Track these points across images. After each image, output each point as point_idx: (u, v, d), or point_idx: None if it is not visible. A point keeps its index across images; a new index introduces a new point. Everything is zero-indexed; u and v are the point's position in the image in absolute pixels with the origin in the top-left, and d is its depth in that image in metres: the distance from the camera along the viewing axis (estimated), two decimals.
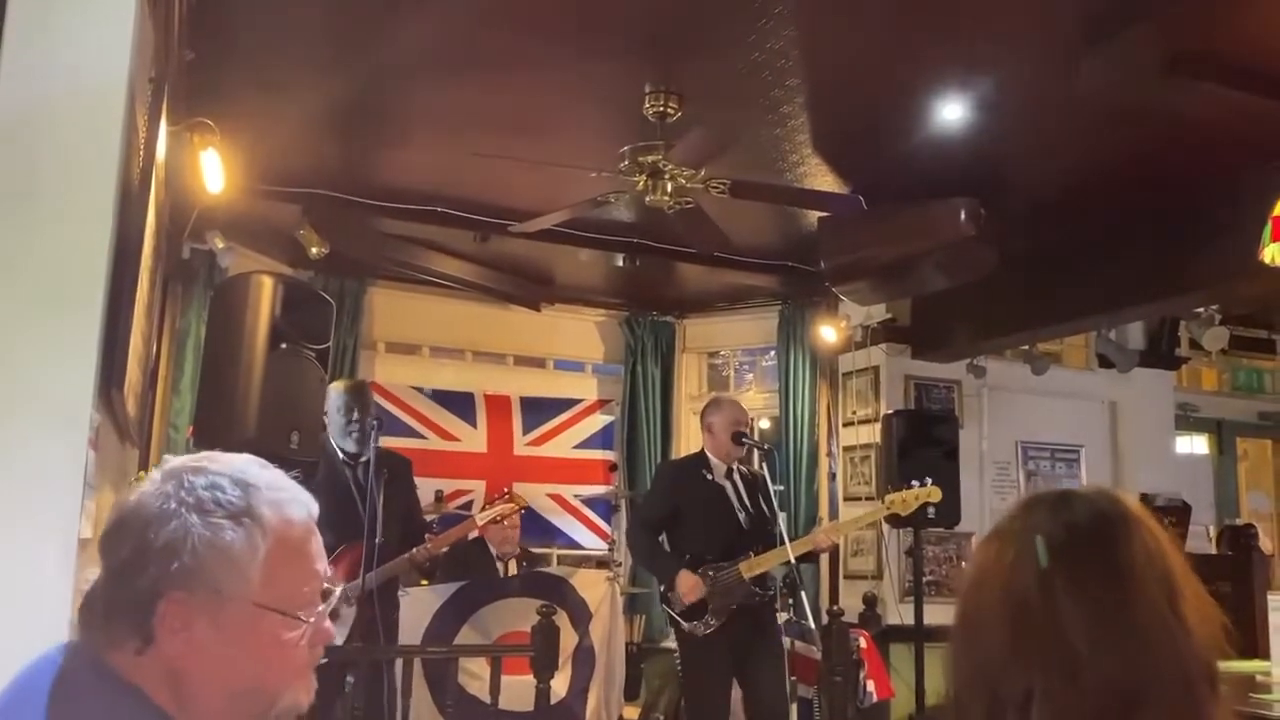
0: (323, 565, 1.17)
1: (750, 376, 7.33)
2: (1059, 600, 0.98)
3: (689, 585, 4.20)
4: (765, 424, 7.15)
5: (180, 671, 1.06)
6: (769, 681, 4.25)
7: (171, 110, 3.33)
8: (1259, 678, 3.17)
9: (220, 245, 5.07)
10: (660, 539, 4.46)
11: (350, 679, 3.75)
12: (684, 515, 4.39)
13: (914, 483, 4.40)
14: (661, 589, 4.41)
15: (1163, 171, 4.51)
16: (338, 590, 1.20)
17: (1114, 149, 4.35)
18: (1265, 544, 7.07)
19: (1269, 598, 3.27)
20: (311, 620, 1.13)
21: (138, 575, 1.05)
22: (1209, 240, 4.55)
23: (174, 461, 1.14)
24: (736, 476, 4.43)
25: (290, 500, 1.14)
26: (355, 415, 4.09)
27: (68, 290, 2.14)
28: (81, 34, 2.18)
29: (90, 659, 1.07)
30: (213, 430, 3.07)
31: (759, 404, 7.10)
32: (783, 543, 4.13)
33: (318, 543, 1.17)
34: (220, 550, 1.06)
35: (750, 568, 4.22)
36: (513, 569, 5.27)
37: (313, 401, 3.37)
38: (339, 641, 3.90)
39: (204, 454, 1.16)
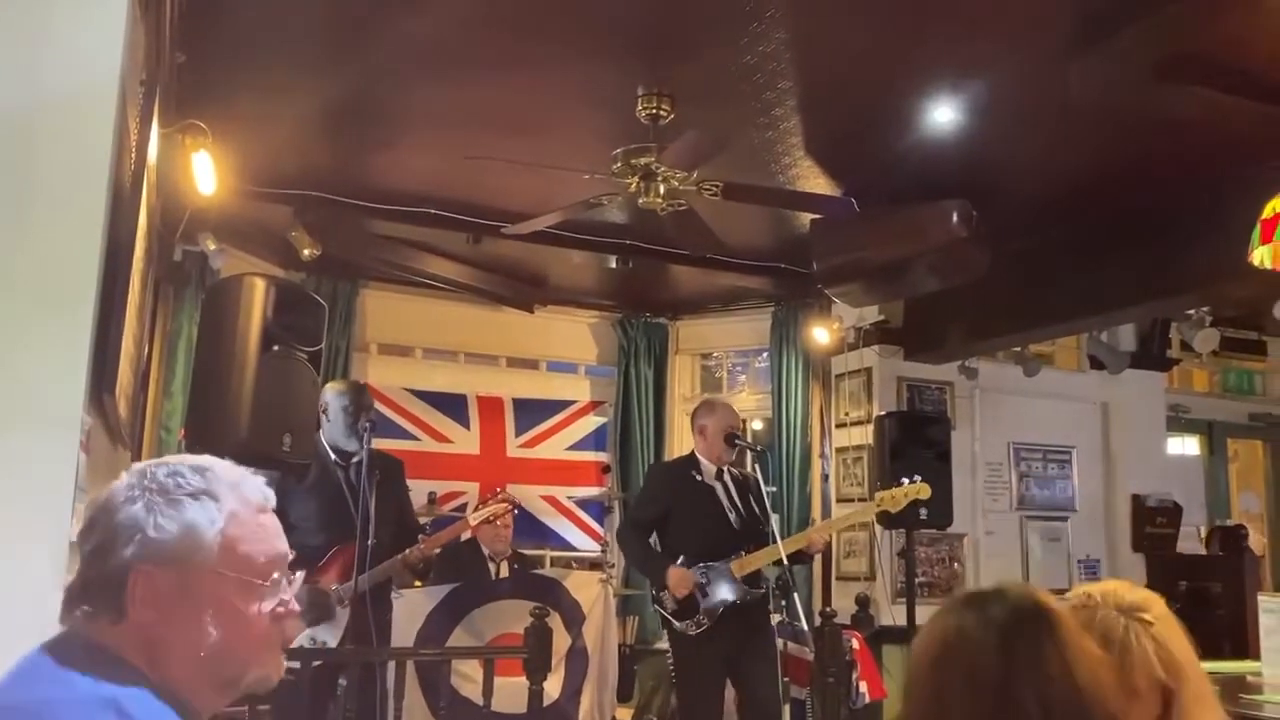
0: (282, 544, 1.27)
1: (743, 378, 7.34)
2: (1020, 677, 1.17)
3: (678, 579, 4.19)
4: (758, 425, 7.15)
5: (153, 640, 1.15)
6: (762, 681, 4.25)
7: (163, 112, 3.33)
8: (1249, 678, 3.18)
9: (212, 247, 5.05)
10: (651, 540, 4.45)
11: (343, 681, 3.75)
12: (675, 516, 4.39)
13: (904, 480, 4.42)
14: (653, 589, 4.40)
15: (1153, 173, 4.53)
16: (299, 575, 1.28)
17: (1105, 151, 4.37)
18: (1256, 544, 7.10)
19: (1259, 598, 3.27)
20: (267, 584, 1.21)
21: (110, 555, 1.15)
22: (1199, 242, 4.58)
23: (141, 463, 1.24)
24: (727, 477, 4.42)
25: (244, 481, 1.26)
26: (359, 415, 4.07)
27: (59, 293, 2.14)
28: (73, 37, 2.17)
29: (71, 635, 1.17)
30: (204, 432, 3.07)
31: (752, 405, 7.10)
32: (774, 542, 4.11)
33: (274, 522, 1.28)
34: (181, 523, 1.17)
35: (741, 567, 4.22)
36: (504, 570, 5.26)
37: (305, 403, 3.37)
38: (332, 644, 3.90)
39: (170, 456, 1.28)
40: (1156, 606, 1.54)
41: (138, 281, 3.03)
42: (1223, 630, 5.86)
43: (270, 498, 1.28)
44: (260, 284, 3.16)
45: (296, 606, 1.26)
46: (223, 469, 1.24)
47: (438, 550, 4.42)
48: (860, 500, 5.98)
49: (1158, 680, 1.45)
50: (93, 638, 1.16)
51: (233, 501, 1.21)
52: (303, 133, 4.56)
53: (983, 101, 3.99)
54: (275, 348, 3.13)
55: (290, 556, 1.28)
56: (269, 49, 3.78)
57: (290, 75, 3.99)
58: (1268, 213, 2.78)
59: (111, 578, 1.15)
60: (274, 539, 1.26)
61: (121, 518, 1.16)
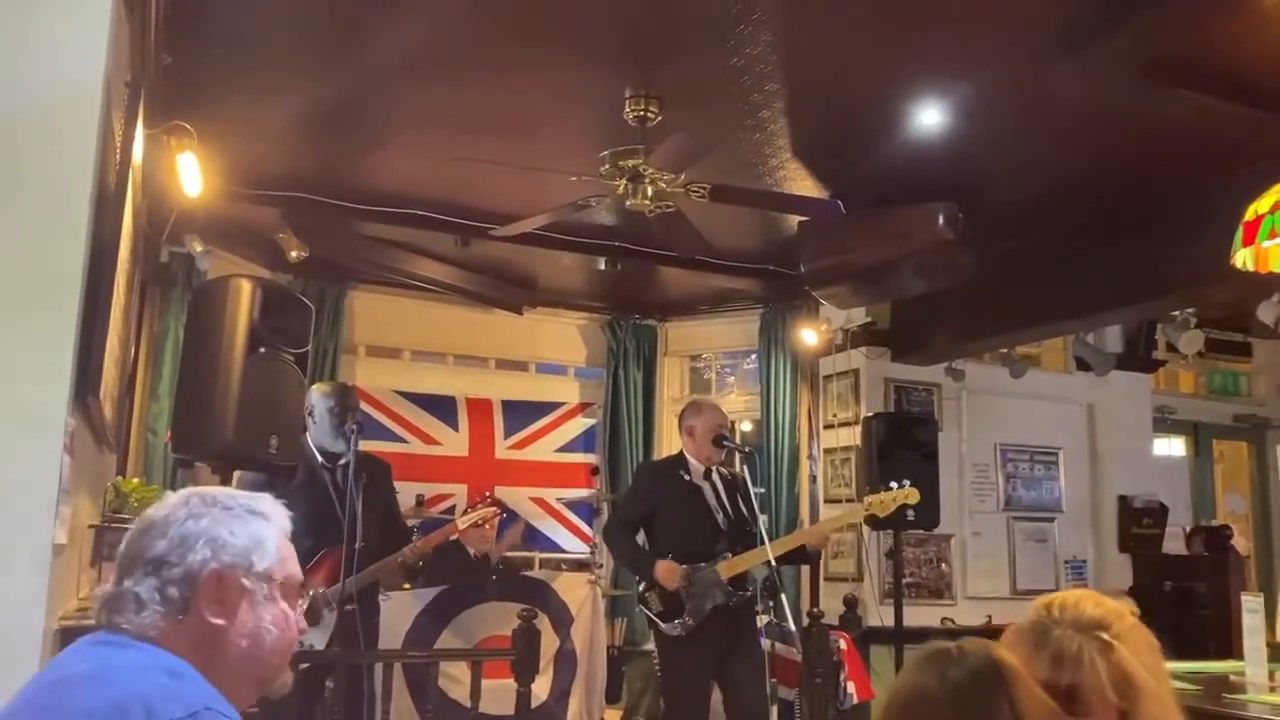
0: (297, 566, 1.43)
1: (732, 379, 7.35)
2: None
3: (666, 571, 4.17)
4: (747, 427, 7.16)
5: (214, 633, 1.29)
6: (748, 683, 4.23)
7: (149, 114, 3.33)
8: (1233, 678, 3.20)
9: (199, 249, 5.04)
10: (640, 540, 4.43)
11: (330, 684, 3.74)
12: (662, 515, 4.36)
13: (892, 484, 4.41)
14: (640, 589, 4.37)
15: (1138, 176, 4.55)
16: (309, 595, 1.38)
17: (1090, 154, 4.40)
18: (1240, 545, 7.14)
19: (1243, 598, 3.29)
20: (305, 597, 1.33)
21: (180, 559, 1.30)
22: (1184, 244, 4.60)
23: (184, 490, 1.41)
24: (715, 478, 4.40)
25: (280, 510, 1.43)
26: (345, 417, 4.05)
27: (43, 294, 2.13)
28: (57, 38, 2.17)
29: (115, 632, 1.28)
30: (191, 435, 3.06)
31: (740, 407, 7.12)
32: (763, 543, 4.07)
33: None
34: (249, 534, 1.34)
35: (729, 568, 4.19)
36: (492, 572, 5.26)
37: (292, 405, 3.36)
38: (319, 646, 3.89)
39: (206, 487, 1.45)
40: (1120, 622, 1.52)
41: (123, 283, 3.02)
42: (1208, 630, 5.91)
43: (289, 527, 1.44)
44: (246, 286, 3.15)
45: (303, 624, 1.44)
46: (264, 498, 1.42)
47: (430, 549, 4.41)
48: (848, 501, 6.00)
49: (1109, 701, 1.44)
50: (145, 633, 1.27)
51: (280, 519, 1.40)
52: (290, 134, 4.55)
53: (969, 104, 4.01)
54: (262, 350, 3.12)
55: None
56: (256, 50, 3.77)
57: (278, 77, 3.99)
58: (1250, 215, 2.79)
59: (185, 578, 1.29)
60: (297, 561, 1.43)
61: (191, 527, 1.31)
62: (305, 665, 3.72)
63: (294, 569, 1.39)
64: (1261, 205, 2.76)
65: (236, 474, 3.45)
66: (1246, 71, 3.57)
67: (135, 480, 3.99)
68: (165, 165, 3.75)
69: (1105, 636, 1.46)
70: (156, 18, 3.04)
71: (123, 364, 3.81)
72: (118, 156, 2.56)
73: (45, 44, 2.16)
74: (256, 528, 1.35)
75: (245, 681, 1.33)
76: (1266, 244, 2.86)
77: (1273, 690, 3.02)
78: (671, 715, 4.32)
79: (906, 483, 4.40)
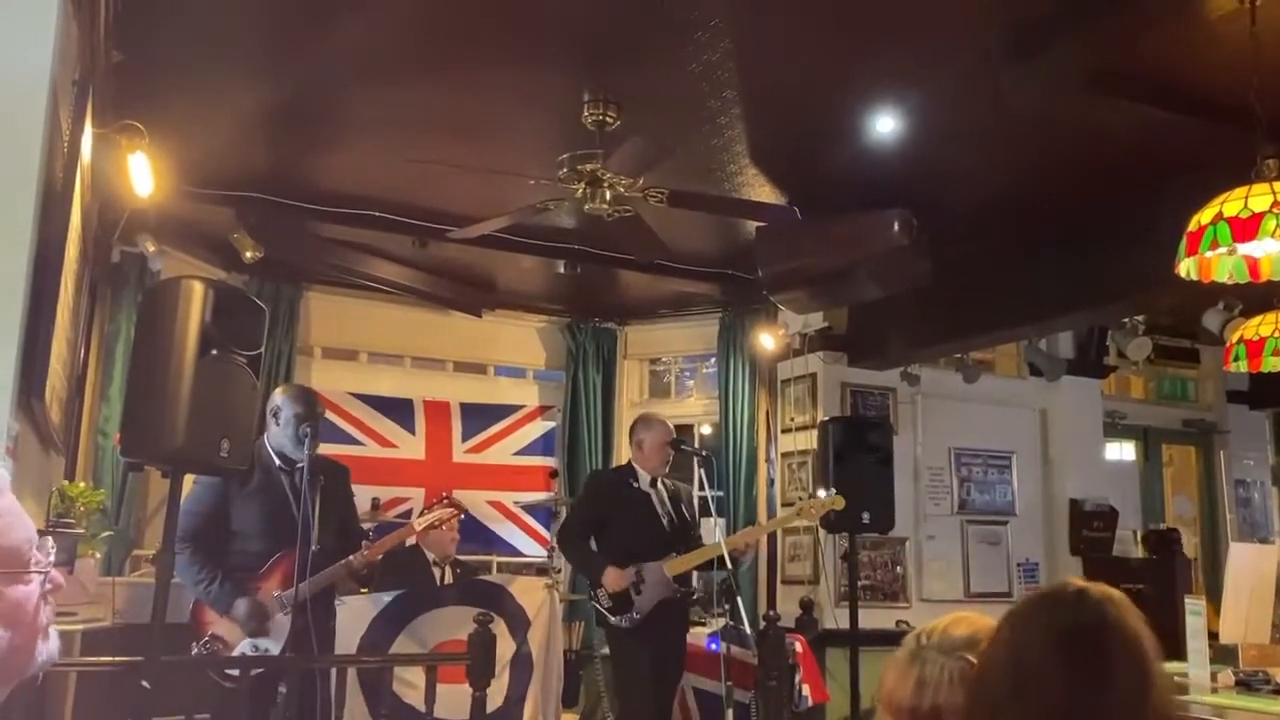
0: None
1: (691, 383, 7.38)
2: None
3: (614, 578, 4.44)
4: (706, 430, 7.19)
5: None
6: (668, 681, 4.60)
7: (98, 112, 3.28)
8: (1176, 679, 3.26)
9: (151, 249, 4.97)
10: (590, 543, 4.66)
11: (282, 689, 3.70)
12: (613, 520, 4.61)
13: (820, 492, 4.94)
14: (591, 588, 4.65)
15: (1087, 184, 4.64)
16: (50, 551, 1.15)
17: (1041, 161, 4.48)
18: (1188, 548, 7.28)
19: (1187, 601, 3.35)
20: (47, 572, 1.10)
21: None
22: (1131, 252, 4.70)
23: None
24: (660, 486, 4.66)
25: None
26: (307, 420, 4.00)
27: None
28: (0, 35, 2.13)
29: None
30: (140, 438, 3.01)
31: (699, 410, 7.15)
32: (702, 546, 4.47)
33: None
34: None
35: (673, 567, 4.45)
36: (448, 576, 5.23)
37: (243, 409, 3.31)
38: (274, 651, 3.85)
39: None
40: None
41: (71, 283, 2.98)
42: (1155, 632, 6.00)
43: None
44: (198, 287, 3.10)
45: (60, 579, 1.14)
46: None
47: (380, 557, 4.38)
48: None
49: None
50: None
51: None
52: (244, 133, 4.50)
53: (922, 111, 4.07)
54: (214, 352, 3.08)
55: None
56: (209, 48, 3.74)
57: (232, 75, 3.95)
58: (1193, 226, 2.85)
59: None
60: (15, 519, 1.09)
61: None
62: (258, 670, 3.69)
63: (12, 540, 1.05)
64: (1204, 216, 2.82)
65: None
66: (1190, 83, 3.65)
67: (82, 484, 3.92)
68: (116, 164, 3.69)
69: (970, 657, 1.44)
70: (106, 14, 3.00)
71: (71, 365, 3.74)
72: (65, 155, 2.53)
73: None
74: None
75: None
76: (1209, 254, 2.93)
77: (1214, 691, 3.08)
78: (623, 702, 4.63)
79: (834, 490, 4.86)
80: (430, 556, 5.25)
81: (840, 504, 4.71)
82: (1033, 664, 1.22)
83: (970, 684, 1.33)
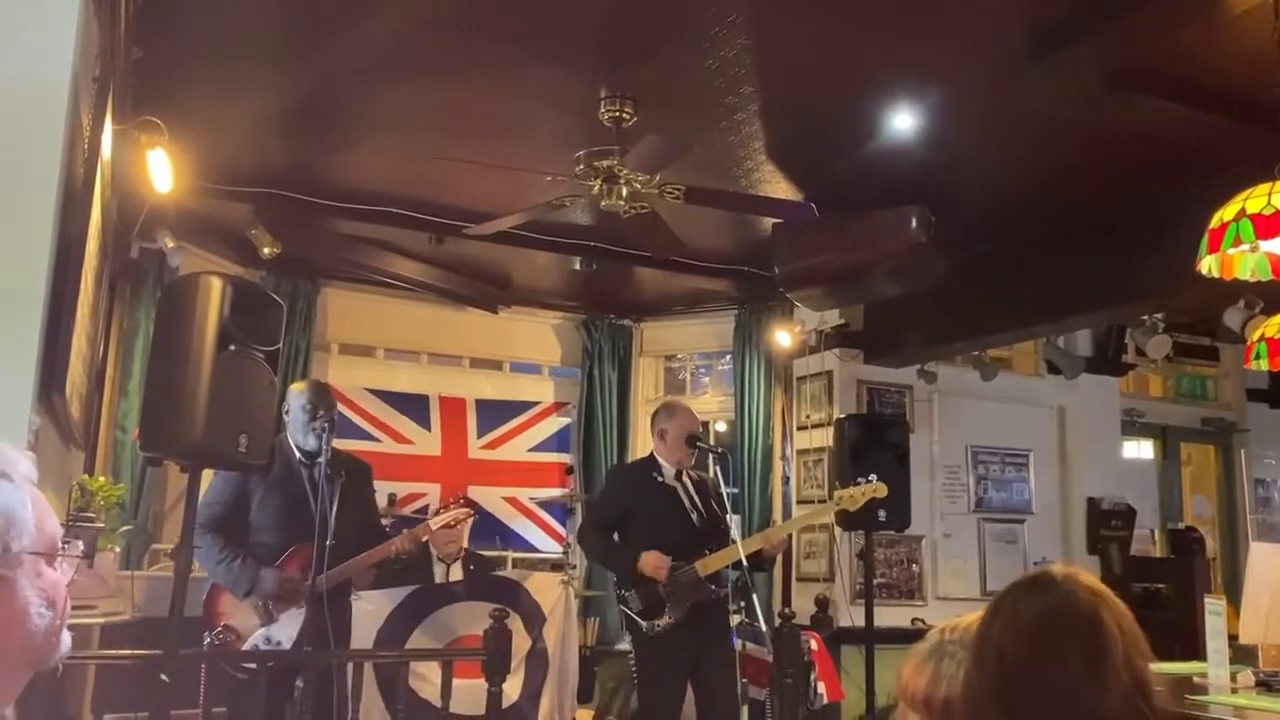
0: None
1: (707, 380, 7.37)
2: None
3: (654, 563, 4.14)
4: (722, 428, 7.19)
5: None
6: (723, 686, 4.20)
7: (118, 109, 3.30)
8: (1195, 679, 3.24)
9: (170, 244, 5.00)
10: (614, 538, 4.42)
11: (299, 683, 3.71)
12: (637, 516, 4.36)
13: (860, 480, 4.43)
14: (618, 589, 4.36)
15: (1107, 182, 4.61)
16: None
17: (1060, 160, 4.45)
18: (1207, 547, 7.23)
19: (1206, 601, 3.33)
20: (75, 559, 1.15)
21: None
22: (1152, 250, 4.66)
23: None
24: (686, 479, 4.41)
25: (19, 453, 1.14)
26: (319, 412, 4.02)
27: (7, 291, 2.11)
28: (22, 32, 2.15)
29: None
30: (159, 433, 3.03)
31: (715, 407, 7.14)
32: (734, 542, 4.10)
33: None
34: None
35: (706, 566, 4.19)
36: (456, 572, 5.23)
37: (262, 404, 3.33)
38: (287, 644, 3.87)
39: None
40: None
41: (91, 279, 2.99)
42: (1173, 631, 5.96)
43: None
44: (217, 283, 3.12)
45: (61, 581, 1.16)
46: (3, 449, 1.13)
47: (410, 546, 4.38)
48: (820, 502, 6.02)
49: None
50: None
51: (24, 468, 1.12)
52: (263, 130, 4.52)
53: (942, 109, 4.04)
54: (232, 347, 3.10)
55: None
56: (229, 45, 3.75)
57: (250, 72, 3.96)
58: (1215, 223, 2.82)
59: None
60: (51, 511, 1.15)
61: None
62: (273, 664, 3.71)
63: (53, 526, 1.12)
64: (1226, 213, 2.80)
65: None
66: (1211, 80, 3.62)
67: (102, 479, 3.95)
68: (136, 161, 3.71)
69: None
70: (126, 12, 3.01)
71: (91, 361, 3.77)
72: (85, 152, 2.54)
73: (10, 39, 2.13)
74: (2, 497, 1.06)
75: (17, 670, 1.10)
76: (1231, 251, 2.90)
77: (1234, 691, 3.06)
78: (645, 714, 4.33)
79: (874, 477, 4.42)
80: (434, 553, 5.26)
81: (883, 491, 4.41)
82: (1011, 653, 1.28)
83: (965, 671, 1.37)
